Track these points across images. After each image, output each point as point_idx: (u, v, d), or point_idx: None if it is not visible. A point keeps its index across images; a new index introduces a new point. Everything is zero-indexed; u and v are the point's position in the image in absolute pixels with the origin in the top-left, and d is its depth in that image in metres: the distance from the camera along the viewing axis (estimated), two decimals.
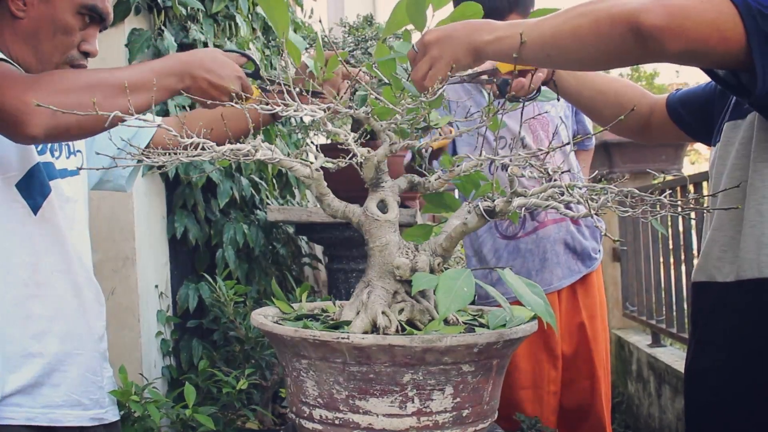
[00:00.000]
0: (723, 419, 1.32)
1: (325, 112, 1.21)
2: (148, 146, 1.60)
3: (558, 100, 1.67)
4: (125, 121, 1.14)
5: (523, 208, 1.12)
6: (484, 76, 1.51)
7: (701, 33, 1.05)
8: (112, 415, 1.56)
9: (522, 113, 1.25)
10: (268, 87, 1.57)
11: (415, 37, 1.37)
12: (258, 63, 1.54)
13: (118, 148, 1.43)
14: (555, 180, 1.11)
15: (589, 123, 2.53)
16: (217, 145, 1.14)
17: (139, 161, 1.15)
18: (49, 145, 1.47)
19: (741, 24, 1.05)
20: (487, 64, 1.47)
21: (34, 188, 1.41)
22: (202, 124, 1.53)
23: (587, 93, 1.64)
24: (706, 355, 1.38)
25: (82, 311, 1.49)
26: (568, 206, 1.11)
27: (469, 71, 1.42)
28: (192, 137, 1.12)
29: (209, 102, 1.40)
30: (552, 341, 2.40)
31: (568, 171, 1.14)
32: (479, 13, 1.33)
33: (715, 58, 1.10)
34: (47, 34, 1.39)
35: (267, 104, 1.19)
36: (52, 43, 1.39)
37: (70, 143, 1.53)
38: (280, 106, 1.19)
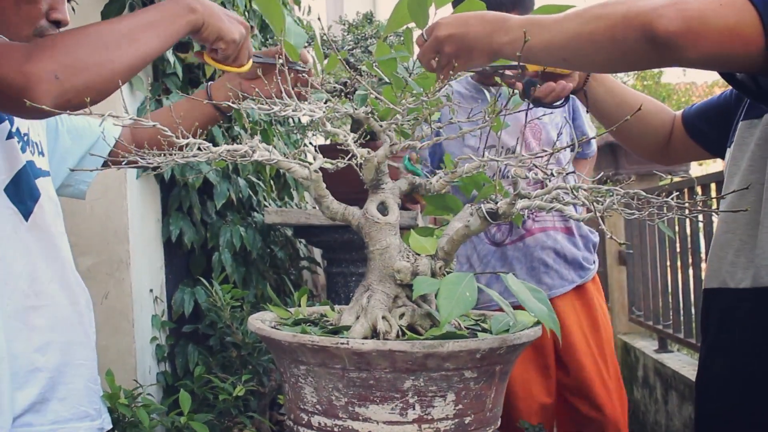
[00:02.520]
0: (735, 427, 1.31)
1: (324, 111, 1.21)
2: (112, 151, 1.57)
3: (587, 110, 1.68)
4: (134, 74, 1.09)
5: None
6: (510, 72, 1.52)
7: (720, 38, 1.03)
8: (107, 422, 1.55)
9: (527, 115, 1.26)
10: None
11: (417, 35, 1.37)
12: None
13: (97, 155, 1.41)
14: (560, 181, 1.11)
15: (590, 130, 2.52)
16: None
17: (134, 162, 1.15)
18: (25, 140, 1.41)
19: (761, 26, 1.02)
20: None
21: (23, 192, 1.37)
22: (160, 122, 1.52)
23: (614, 106, 1.64)
24: (718, 362, 1.37)
25: (79, 319, 1.46)
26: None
27: (494, 64, 1.42)
28: (188, 138, 1.12)
29: (220, 50, 1.38)
30: (545, 350, 2.39)
31: (573, 172, 1.14)
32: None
33: (735, 63, 1.08)
34: (10, 5, 1.32)
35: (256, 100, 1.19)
36: (18, 16, 1.33)
37: (37, 141, 1.47)
38: (278, 105, 1.19)
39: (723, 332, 1.36)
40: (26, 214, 1.37)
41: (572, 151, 1.22)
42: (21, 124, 1.41)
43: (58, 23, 1.38)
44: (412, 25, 1.35)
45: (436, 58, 1.29)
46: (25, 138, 1.42)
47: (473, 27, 1.25)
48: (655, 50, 1.06)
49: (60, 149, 1.58)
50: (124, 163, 1.13)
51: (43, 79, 1.15)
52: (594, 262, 2.49)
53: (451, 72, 1.28)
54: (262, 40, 3.44)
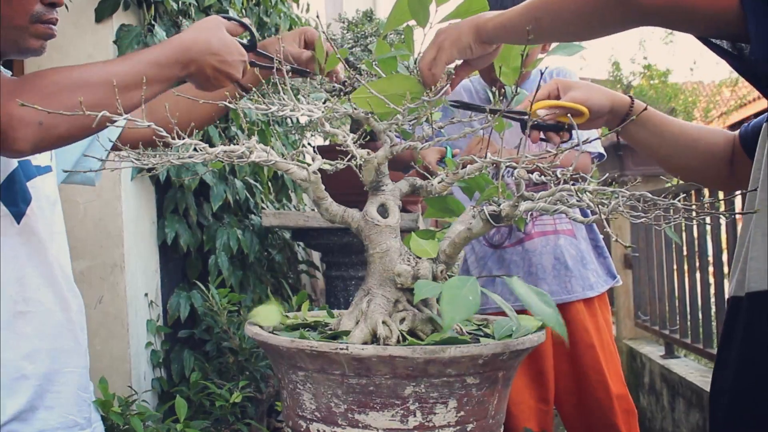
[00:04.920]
0: None
1: (323, 111, 1.21)
2: (117, 141, 1.57)
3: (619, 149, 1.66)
4: (115, 121, 1.11)
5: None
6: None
7: None
8: (99, 431, 1.55)
9: (526, 122, 1.26)
10: (262, 62, 1.56)
11: (417, 33, 1.37)
12: (255, 34, 1.51)
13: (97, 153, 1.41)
14: (565, 183, 1.11)
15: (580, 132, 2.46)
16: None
17: (127, 162, 1.15)
18: None
19: None
20: (525, 104, 1.49)
21: (16, 194, 1.36)
22: (168, 107, 1.53)
23: (665, 147, 1.54)
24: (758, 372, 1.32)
25: (69, 326, 1.46)
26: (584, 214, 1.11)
27: (504, 110, 1.42)
28: (183, 138, 1.12)
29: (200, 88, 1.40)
30: (541, 355, 2.38)
31: (578, 175, 1.14)
32: (484, 8, 1.34)
33: (701, 19, 1.04)
34: None
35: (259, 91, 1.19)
36: (10, 7, 1.31)
37: None
38: (276, 105, 1.19)
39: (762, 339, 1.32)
40: (18, 217, 1.37)
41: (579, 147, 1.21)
42: None
43: (53, 5, 1.37)
44: (412, 23, 1.35)
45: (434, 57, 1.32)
46: None
47: (465, 19, 1.32)
48: (617, 2, 1.08)
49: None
50: (120, 164, 1.13)
51: (28, 124, 1.17)
52: (607, 275, 2.47)
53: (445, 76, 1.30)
54: (259, 38, 3.44)
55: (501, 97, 1.51)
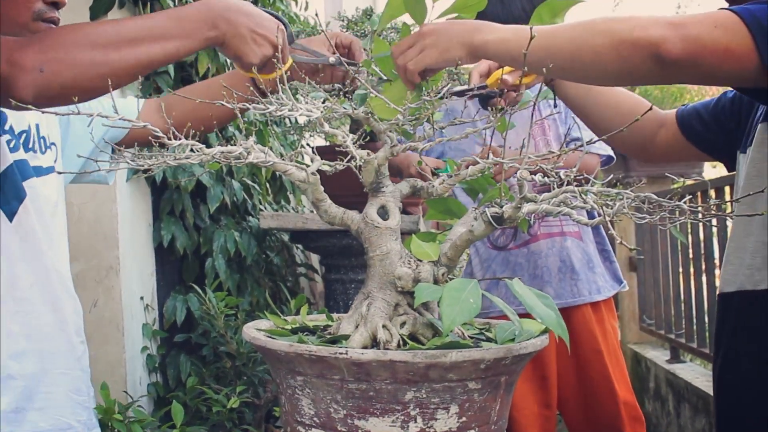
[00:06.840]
0: None
1: (322, 111, 1.21)
2: (124, 140, 1.56)
3: (555, 105, 1.68)
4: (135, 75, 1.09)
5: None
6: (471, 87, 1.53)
7: (716, 59, 1.15)
8: None
9: (532, 116, 1.25)
10: (302, 57, 1.49)
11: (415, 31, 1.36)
12: (290, 28, 1.43)
13: (99, 144, 1.40)
14: (568, 184, 1.11)
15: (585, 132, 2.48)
16: (203, 128, 1.13)
17: (123, 162, 1.15)
18: (23, 139, 1.41)
19: (753, 44, 1.13)
20: (475, 78, 1.51)
21: (9, 192, 1.36)
22: (180, 109, 1.50)
23: (588, 104, 1.66)
24: (736, 371, 1.37)
25: (61, 327, 1.46)
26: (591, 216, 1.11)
27: (457, 89, 1.44)
28: (180, 139, 1.11)
29: (244, 64, 1.34)
30: (544, 359, 2.38)
31: (582, 176, 1.14)
32: (482, 3, 1.34)
33: (733, 79, 1.21)
34: None
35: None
36: (13, 3, 1.31)
37: (45, 135, 1.48)
38: (274, 105, 1.19)
39: (739, 337, 1.36)
40: (10, 215, 1.36)
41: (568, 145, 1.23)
42: (18, 121, 1.41)
43: (56, 4, 1.36)
44: (411, 21, 1.35)
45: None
46: (23, 136, 1.42)
47: (457, 25, 1.30)
48: (660, 69, 1.17)
49: (72, 136, 1.57)
50: (114, 164, 1.13)
51: (27, 70, 1.15)
52: (613, 280, 2.47)
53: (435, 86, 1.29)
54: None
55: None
